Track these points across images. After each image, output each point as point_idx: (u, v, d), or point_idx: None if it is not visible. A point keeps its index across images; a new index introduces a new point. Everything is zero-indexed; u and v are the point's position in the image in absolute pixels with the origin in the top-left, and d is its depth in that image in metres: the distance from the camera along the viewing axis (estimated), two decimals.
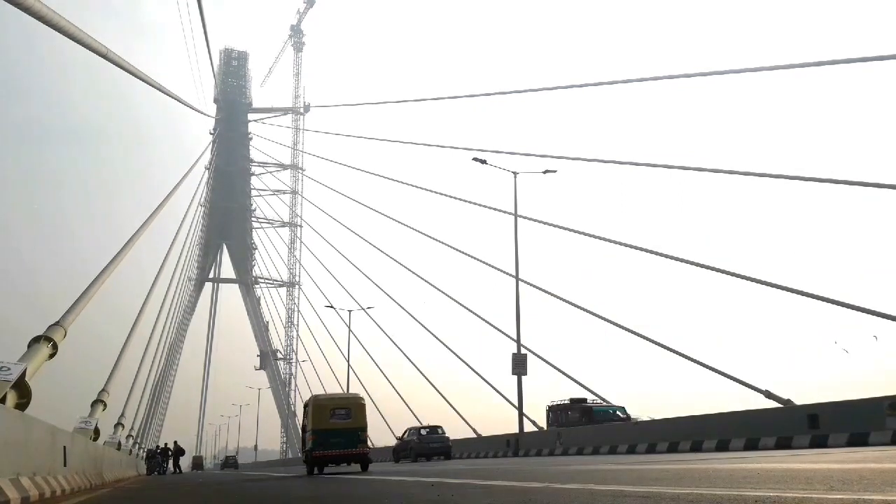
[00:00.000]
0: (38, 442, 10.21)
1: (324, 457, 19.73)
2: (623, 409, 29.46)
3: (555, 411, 32.33)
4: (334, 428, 19.59)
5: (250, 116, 78.73)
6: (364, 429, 20.18)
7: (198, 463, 74.89)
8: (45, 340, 14.24)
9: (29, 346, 14.04)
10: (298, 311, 75.72)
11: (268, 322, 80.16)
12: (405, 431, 34.45)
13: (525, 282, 30.48)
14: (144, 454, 47.37)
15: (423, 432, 31.94)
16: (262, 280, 79.49)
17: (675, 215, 60.54)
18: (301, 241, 73.23)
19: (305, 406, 21.89)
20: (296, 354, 76.05)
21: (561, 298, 29.20)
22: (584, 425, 28.58)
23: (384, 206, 46.90)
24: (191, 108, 55.32)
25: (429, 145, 42.11)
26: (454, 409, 38.51)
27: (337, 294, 56.01)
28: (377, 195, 49.80)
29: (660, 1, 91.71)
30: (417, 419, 43.84)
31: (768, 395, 20.16)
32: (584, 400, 30.41)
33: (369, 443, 21.43)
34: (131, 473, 31.52)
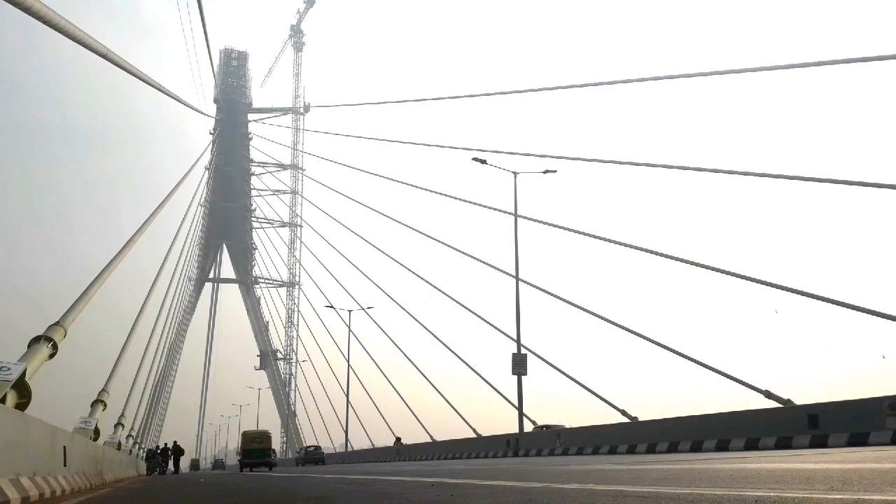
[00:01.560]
0: (38, 442, 10.20)
1: (248, 463, 38.36)
2: None
3: None
4: (254, 448, 38.95)
5: (250, 116, 78.68)
6: (269, 449, 40.09)
7: (195, 465, 76.53)
8: (45, 340, 14.23)
9: (29, 346, 14.03)
10: (298, 311, 75.81)
11: (268, 322, 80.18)
12: (301, 448, 58.97)
13: (525, 282, 30.50)
14: (144, 454, 47.38)
15: (310, 449, 52.67)
16: (262, 280, 79.49)
17: (675, 215, 60.55)
18: (301, 241, 73.30)
19: (241, 435, 42.85)
20: (296, 354, 76.10)
21: (561, 298, 29.20)
22: None
23: (384, 206, 46.94)
24: (191, 108, 55.31)
25: (429, 145, 42.12)
26: (454, 409, 38.64)
27: (337, 294, 56.18)
28: (377, 195, 49.84)
29: (660, 1, 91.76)
30: (417, 418, 44.25)
31: (768, 395, 20.14)
32: None
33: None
34: (131, 473, 31.51)
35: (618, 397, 26.98)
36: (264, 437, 40.72)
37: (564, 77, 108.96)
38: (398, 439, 50.21)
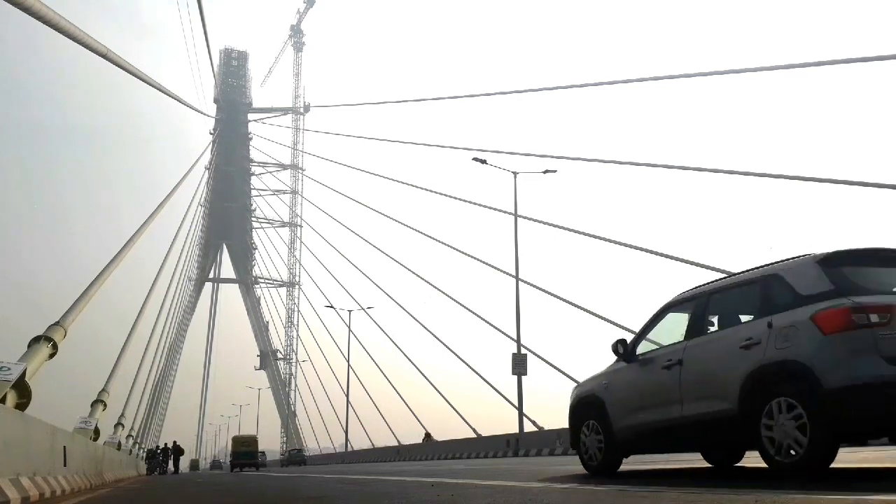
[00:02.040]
0: (38, 442, 10.19)
1: (238, 464, 45.34)
2: None
3: None
4: (243, 451, 47.01)
5: (250, 116, 78.76)
6: (256, 451, 48.11)
7: (194, 465, 76.82)
8: (45, 340, 14.22)
9: (29, 346, 14.02)
10: (298, 311, 75.88)
11: (268, 322, 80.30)
12: (286, 451, 67.27)
13: (525, 282, 30.49)
14: (144, 454, 47.41)
15: (293, 451, 62.06)
16: (262, 280, 79.55)
17: (674, 215, 60.57)
18: (301, 241, 73.35)
19: (232, 440, 51.47)
20: (296, 354, 76.16)
21: (561, 298, 29.18)
22: None
23: (384, 206, 47.03)
24: (191, 108, 55.46)
25: (429, 145, 42.19)
26: (454, 409, 38.66)
27: (337, 294, 56.24)
28: (377, 195, 49.93)
29: (660, 1, 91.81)
30: (416, 418, 44.38)
31: None
32: None
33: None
34: (131, 473, 31.49)
35: None
36: (252, 441, 49.45)
37: (564, 77, 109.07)
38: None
